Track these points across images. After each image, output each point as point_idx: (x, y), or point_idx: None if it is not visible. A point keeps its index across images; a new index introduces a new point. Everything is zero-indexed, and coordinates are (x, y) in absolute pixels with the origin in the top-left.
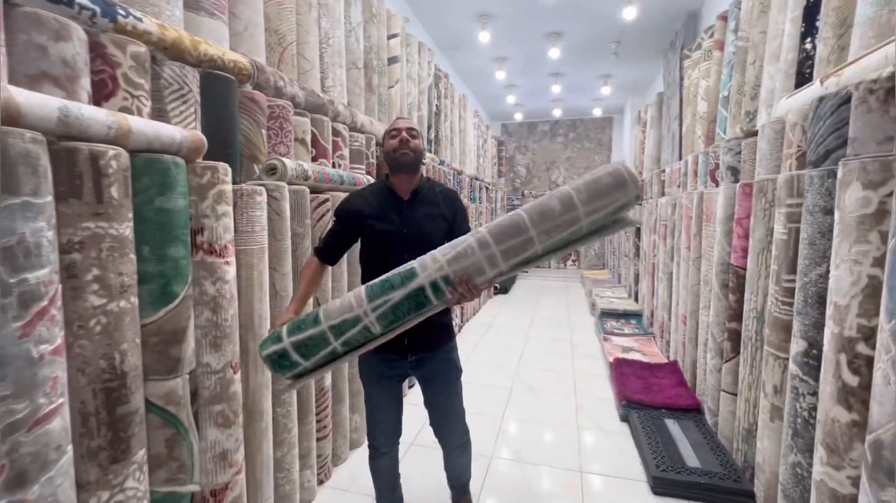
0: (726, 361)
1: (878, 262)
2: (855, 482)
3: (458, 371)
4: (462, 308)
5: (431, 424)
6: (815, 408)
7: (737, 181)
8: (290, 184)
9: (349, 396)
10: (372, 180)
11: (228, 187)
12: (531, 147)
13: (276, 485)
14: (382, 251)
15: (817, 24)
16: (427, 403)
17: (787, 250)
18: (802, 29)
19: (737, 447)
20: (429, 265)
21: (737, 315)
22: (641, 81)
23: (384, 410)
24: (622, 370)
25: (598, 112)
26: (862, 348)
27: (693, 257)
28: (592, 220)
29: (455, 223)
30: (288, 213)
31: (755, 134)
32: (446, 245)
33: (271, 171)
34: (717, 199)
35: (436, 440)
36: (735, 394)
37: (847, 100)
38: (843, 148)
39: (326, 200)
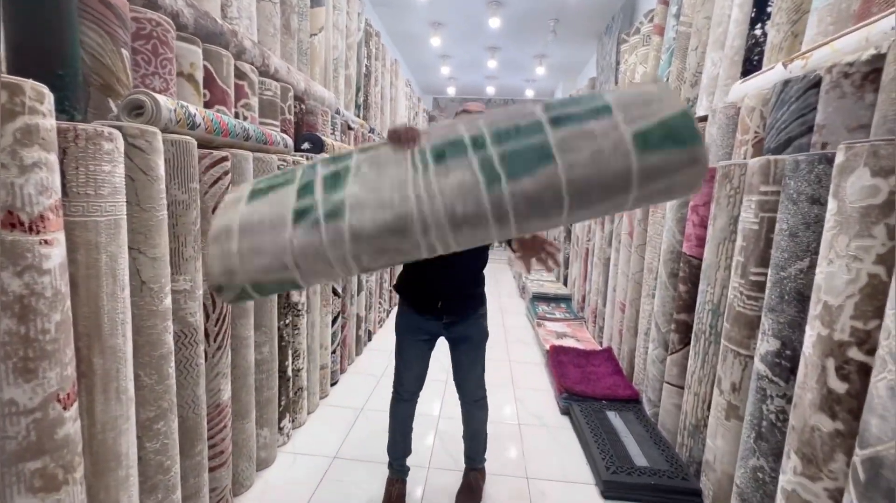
0: (672, 353)
1: (882, 260)
2: (833, 495)
3: (486, 335)
4: (391, 292)
5: (455, 379)
6: (783, 412)
7: None
8: (167, 131)
9: (256, 408)
10: (289, 139)
11: (47, 123)
12: None
13: None
14: None
15: (769, 9)
16: (453, 359)
17: (757, 241)
18: (752, 15)
19: (681, 442)
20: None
21: (687, 306)
22: (574, 64)
23: (413, 362)
24: (559, 358)
25: (530, 93)
26: (854, 353)
27: (636, 244)
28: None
29: None
30: (162, 171)
31: (703, 119)
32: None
33: (136, 109)
34: None
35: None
36: (681, 387)
37: (816, 84)
38: (808, 135)
39: (224, 159)
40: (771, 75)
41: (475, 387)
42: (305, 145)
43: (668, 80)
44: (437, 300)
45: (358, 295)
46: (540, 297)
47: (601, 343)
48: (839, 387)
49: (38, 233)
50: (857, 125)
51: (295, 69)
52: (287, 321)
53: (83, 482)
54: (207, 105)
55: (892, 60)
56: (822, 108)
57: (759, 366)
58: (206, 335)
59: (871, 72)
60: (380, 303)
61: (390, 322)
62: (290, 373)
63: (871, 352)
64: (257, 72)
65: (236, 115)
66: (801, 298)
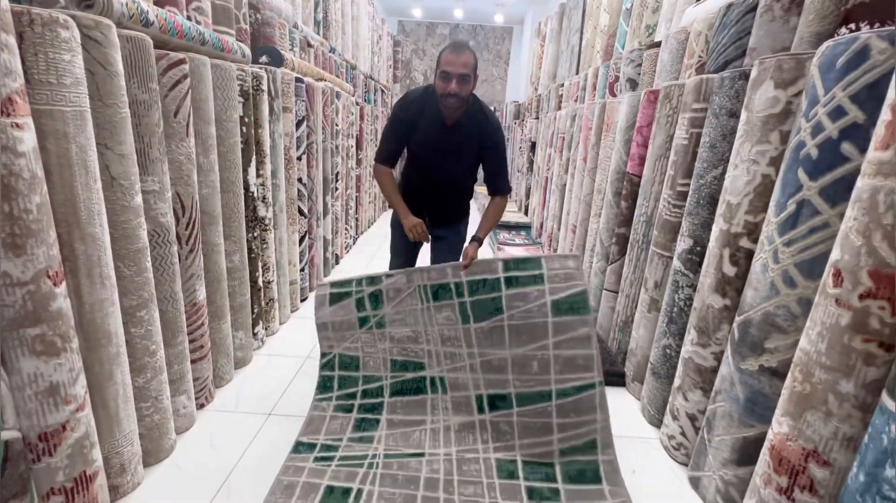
0: (611, 263)
1: (774, 162)
2: (717, 357)
3: (462, 239)
4: (357, 219)
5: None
6: (690, 299)
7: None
8: (120, 26)
9: (231, 312)
10: (246, 49)
11: (1, 2)
12: (429, 52)
13: (140, 417)
14: (422, 159)
15: None
16: (432, 254)
17: (685, 155)
18: None
19: (613, 337)
20: (434, 366)
21: (626, 220)
22: None
23: (400, 250)
24: None
25: (499, 19)
26: (744, 242)
27: (589, 168)
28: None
29: (486, 153)
30: (120, 67)
31: (657, 45)
32: (448, 352)
33: (85, 0)
34: (620, 108)
35: None
36: (616, 292)
37: (753, 8)
38: (742, 58)
39: (182, 62)
40: (718, 0)
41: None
42: (264, 58)
43: (631, 6)
44: (423, 208)
45: (324, 217)
46: (501, 226)
47: None
48: (730, 270)
49: (8, 115)
50: (782, 48)
51: None
52: (255, 234)
53: (79, 353)
54: (157, 3)
55: None
56: (755, 32)
57: (675, 262)
58: (178, 238)
59: None
60: (346, 228)
61: (357, 248)
62: (261, 283)
63: (756, 240)
64: None
65: (188, 19)
66: (713, 202)
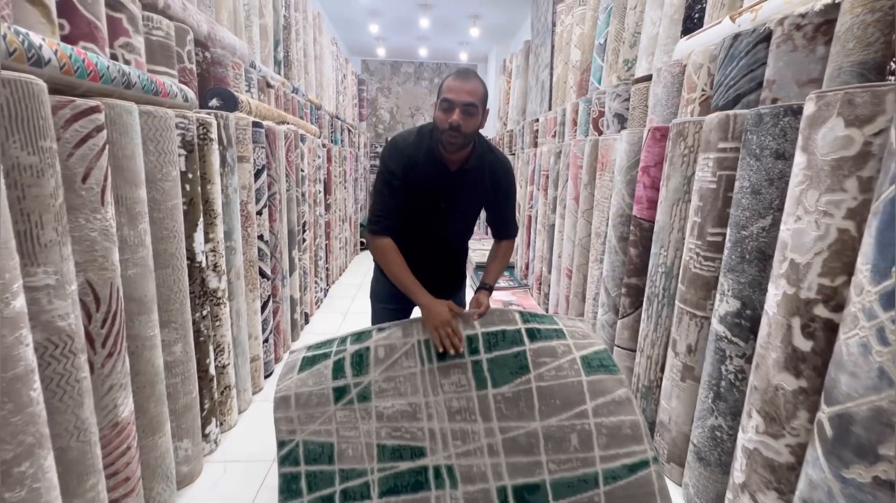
0: (623, 317)
1: (853, 215)
2: (794, 451)
3: (464, 305)
4: (328, 270)
5: None
6: (742, 372)
7: (623, 130)
8: None
9: (172, 419)
10: (190, 92)
11: None
12: (395, 90)
13: None
14: (418, 217)
15: None
16: None
17: (715, 200)
18: None
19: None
20: (439, 450)
21: (638, 270)
22: (508, 28)
23: None
24: None
25: (464, 57)
26: (820, 311)
27: (583, 209)
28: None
29: (496, 198)
30: None
31: (646, 79)
32: (458, 429)
33: None
34: (618, 146)
35: None
36: (632, 350)
37: (766, 38)
38: (757, 91)
39: (94, 110)
40: (717, 30)
41: None
42: (214, 102)
43: (605, 41)
44: (417, 277)
45: (290, 275)
46: (483, 267)
47: (547, 310)
48: (804, 345)
49: None
50: (808, 79)
51: (194, 8)
52: (205, 312)
53: None
54: (68, 40)
55: (848, 10)
56: (773, 63)
57: (717, 327)
58: (90, 340)
59: (824, 23)
60: (316, 282)
61: (328, 301)
62: (212, 371)
63: (838, 308)
64: (140, 5)
65: (114, 58)
66: (763, 257)
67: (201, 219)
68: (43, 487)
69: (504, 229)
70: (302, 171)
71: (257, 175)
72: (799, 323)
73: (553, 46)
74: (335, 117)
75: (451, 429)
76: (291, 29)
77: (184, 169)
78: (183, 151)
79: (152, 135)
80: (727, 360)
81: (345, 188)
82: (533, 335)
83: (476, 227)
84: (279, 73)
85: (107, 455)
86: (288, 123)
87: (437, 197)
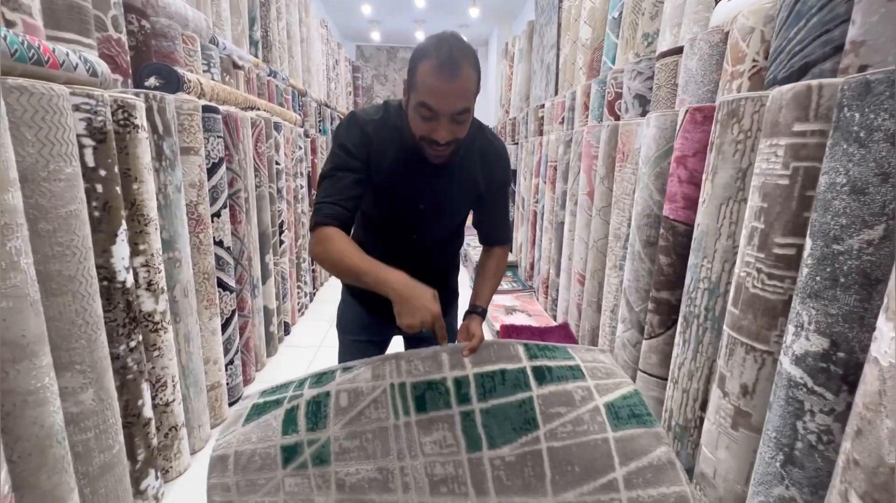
0: (649, 338)
1: None
2: None
3: (455, 334)
4: (314, 272)
5: None
6: (829, 433)
7: (645, 113)
8: None
9: (83, 484)
10: (101, 65)
11: None
12: (391, 77)
13: None
14: (390, 223)
15: None
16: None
17: (787, 201)
18: None
19: None
20: None
21: (670, 282)
22: (510, 7)
23: None
24: (512, 338)
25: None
26: None
27: (599, 206)
28: None
29: (489, 195)
30: None
31: (676, 52)
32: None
33: None
34: (643, 132)
35: None
36: (662, 379)
37: None
38: (834, 58)
39: None
40: None
41: None
42: (151, 80)
43: (620, 14)
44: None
45: (264, 284)
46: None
47: (555, 316)
48: None
49: None
50: None
51: None
52: (132, 343)
53: None
54: None
55: None
56: (861, 18)
57: (791, 369)
58: None
59: None
60: (299, 286)
61: (315, 308)
62: (147, 413)
63: None
64: None
65: None
66: (868, 282)
67: (123, 227)
68: None
69: (498, 233)
70: (277, 164)
71: (212, 170)
72: None
73: (560, 25)
74: (324, 105)
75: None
76: (271, 6)
77: (92, 164)
78: (90, 141)
79: (29, 119)
80: (806, 416)
81: None
82: (542, 376)
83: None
84: (256, 55)
85: None
86: (258, 109)
87: (414, 197)
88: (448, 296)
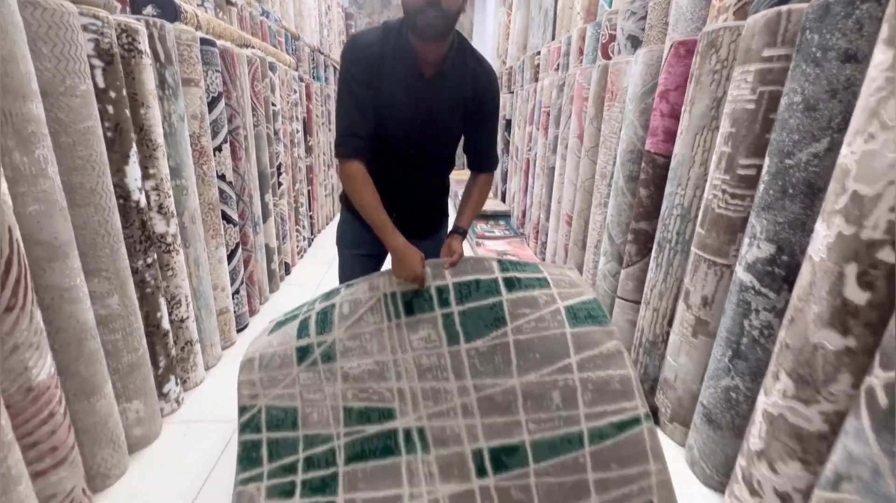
0: (627, 266)
1: None
2: (829, 419)
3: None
4: (312, 218)
5: None
6: (769, 327)
7: None
8: None
9: (115, 379)
10: None
11: None
12: None
13: None
14: (389, 135)
15: None
16: None
17: (751, 124)
18: None
19: (635, 359)
20: (409, 412)
21: (648, 213)
22: None
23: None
24: None
25: None
26: (886, 255)
27: (587, 147)
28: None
29: (477, 116)
30: None
31: None
32: (430, 388)
33: None
34: (631, 70)
35: None
36: (636, 303)
37: None
38: None
39: None
40: None
41: None
42: (148, 9)
43: None
44: (391, 215)
45: (264, 222)
46: (478, 216)
47: (544, 259)
48: (858, 296)
49: None
50: None
51: None
52: (149, 260)
53: None
54: None
55: None
56: None
57: (742, 276)
58: None
59: None
60: (297, 230)
61: (312, 251)
62: (166, 326)
63: None
64: None
65: None
66: (812, 191)
67: (134, 149)
68: None
69: (484, 159)
70: (273, 105)
71: (212, 104)
72: (855, 270)
73: None
74: (317, 51)
75: (422, 388)
76: None
77: (102, 85)
78: (99, 62)
79: (44, 34)
80: (752, 314)
81: (329, 130)
82: (511, 285)
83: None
84: None
85: (21, 425)
86: (253, 48)
87: (411, 109)
88: (438, 215)
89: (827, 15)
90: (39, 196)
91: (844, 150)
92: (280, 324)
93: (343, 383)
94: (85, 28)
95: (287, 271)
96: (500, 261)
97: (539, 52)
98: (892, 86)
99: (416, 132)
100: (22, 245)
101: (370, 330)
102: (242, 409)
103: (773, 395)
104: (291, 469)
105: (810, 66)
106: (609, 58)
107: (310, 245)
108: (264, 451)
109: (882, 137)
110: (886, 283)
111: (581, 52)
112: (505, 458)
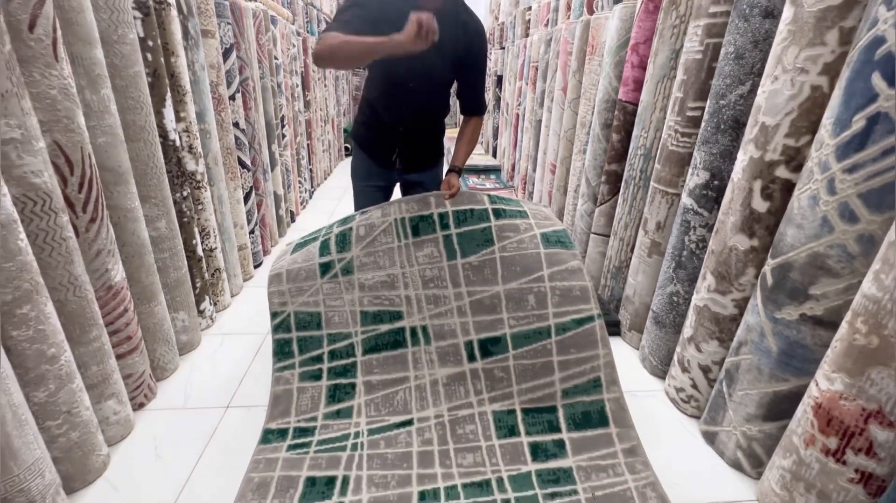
0: (600, 204)
1: (829, 69)
2: (738, 304)
3: (440, 183)
4: (311, 171)
5: None
6: (703, 240)
7: None
8: None
9: (165, 291)
10: None
11: None
12: None
13: (50, 438)
14: (391, 72)
15: None
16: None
17: (699, 72)
18: None
19: (604, 284)
20: (414, 313)
21: (619, 156)
22: None
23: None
24: None
25: None
26: (782, 172)
27: (570, 99)
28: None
29: (467, 61)
30: None
31: None
32: (431, 295)
33: None
34: (609, 25)
35: None
36: (606, 236)
37: None
38: None
39: None
40: None
41: None
42: None
43: None
44: (393, 152)
45: (272, 169)
46: (469, 170)
47: None
48: (761, 206)
49: None
50: None
51: None
52: (185, 193)
53: None
54: None
55: None
56: None
57: (685, 200)
58: (70, 203)
59: None
60: (300, 182)
61: (313, 203)
62: (200, 252)
63: (797, 168)
64: None
65: None
66: (737, 126)
67: (168, 93)
68: (48, 330)
69: (474, 102)
70: (276, 58)
71: (226, 55)
72: (759, 185)
73: None
74: (310, 4)
75: (425, 294)
76: None
77: (142, 34)
78: (138, 14)
79: None
80: (691, 231)
81: (325, 86)
82: (498, 214)
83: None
84: None
85: (106, 314)
86: (256, 1)
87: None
88: (435, 152)
89: None
90: (106, 129)
91: (759, 91)
92: (300, 244)
93: (360, 292)
94: None
95: (293, 219)
96: (489, 196)
97: (530, 8)
98: (793, 36)
99: (413, 72)
100: (97, 169)
101: (383, 248)
102: (274, 314)
103: (701, 292)
104: (318, 359)
105: (741, 20)
106: (593, 13)
107: (311, 197)
108: (295, 347)
109: (783, 78)
110: (781, 195)
111: (569, 7)
112: (490, 347)
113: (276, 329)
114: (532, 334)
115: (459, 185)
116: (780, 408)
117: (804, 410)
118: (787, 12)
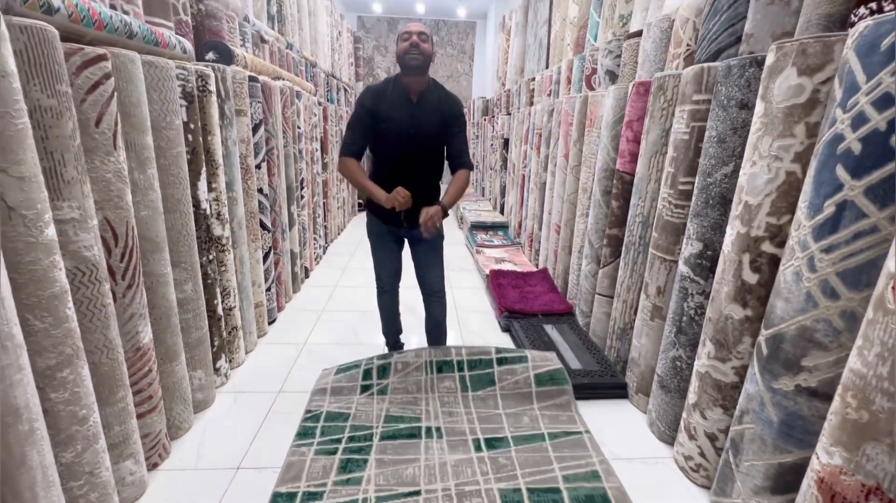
0: (604, 266)
1: (800, 158)
2: (739, 372)
3: (441, 236)
4: (326, 228)
5: (416, 274)
6: (702, 307)
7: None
8: (9, 12)
9: (186, 350)
10: (188, 44)
11: None
12: (391, 48)
13: (71, 499)
14: (391, 146)
15: None
16: (413, 257)
17: (687, 151)
18: None
19: (610, 345)
20: (431, 419)
21: (619, 221)
22: None
23: (387, 260)
24: (499, 281)
25: (462, 13)
26: (767, 247)
27: (572, 165)
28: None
29: (450, 128)
30: (13, 65)
31: (638, 35)
32: (447, 411)
33: None
34: (605, 102)
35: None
36: (610, 297)
37: None
38: (736, 45)
39: (102, 58)
40: None
41: (434, 281)
42: (210, 55)
43: None
44: (399, 214)
45: (290, 229)
46: (478, 227)
47: (537, 265)
48: (751, 278)
49: None
50: (782, 32)
51: None
52: (210, 257)
53: None
54: None
55: None
56: (752, 17)
57: (682, 268)
58: (112, 272)
59: None
60: (315, 238)
61: (327, 258)
62: (220, 312)
63: (781, 244)
64: None
65: (113, 8)
66: (724, 202)
67: (204, 168)
68: (82, 392)
69: (459, 159)
70: (298, 127)
71: (255, 129)
72: (748, 258)
73: (552, 2)
74: (331, 76)
75: (441, 410)
76: None
77: (185, 119)
78: (184, 102)
79: (155, 84)
80: (689, 298)
81: None
82: (501, 362)
83: (472, 189)
84: (273, 28)
85: (132, 374)
86: (283, 79)
87: (404, 123)
88: (432, 199)
89: (729, 74)
90: (148, 204)
91: (741, 173)
92: (344, 369)
93: (388, 404)
94: (177, 77)
95: (307, 275)
96: (497, 348)
97: (534, 79)
98: (766, 128)
99: (408, 138)
100: (137, 239)
101: (413, 379)
102: (308, 411)
103: (702, 358)
104: (337, 440)
105: (721, 109)
106: (592, 88)
107: (324, 252)
108: (318, 431)
109: (760, 163)
110: (769, 268)
111: (569, 81)
112: (495, 443)
113: (305, 419)
114: (530, 437)
115: (438, 215)
116: (786, 481)
117: (808, 484)
118: (759, 107)
